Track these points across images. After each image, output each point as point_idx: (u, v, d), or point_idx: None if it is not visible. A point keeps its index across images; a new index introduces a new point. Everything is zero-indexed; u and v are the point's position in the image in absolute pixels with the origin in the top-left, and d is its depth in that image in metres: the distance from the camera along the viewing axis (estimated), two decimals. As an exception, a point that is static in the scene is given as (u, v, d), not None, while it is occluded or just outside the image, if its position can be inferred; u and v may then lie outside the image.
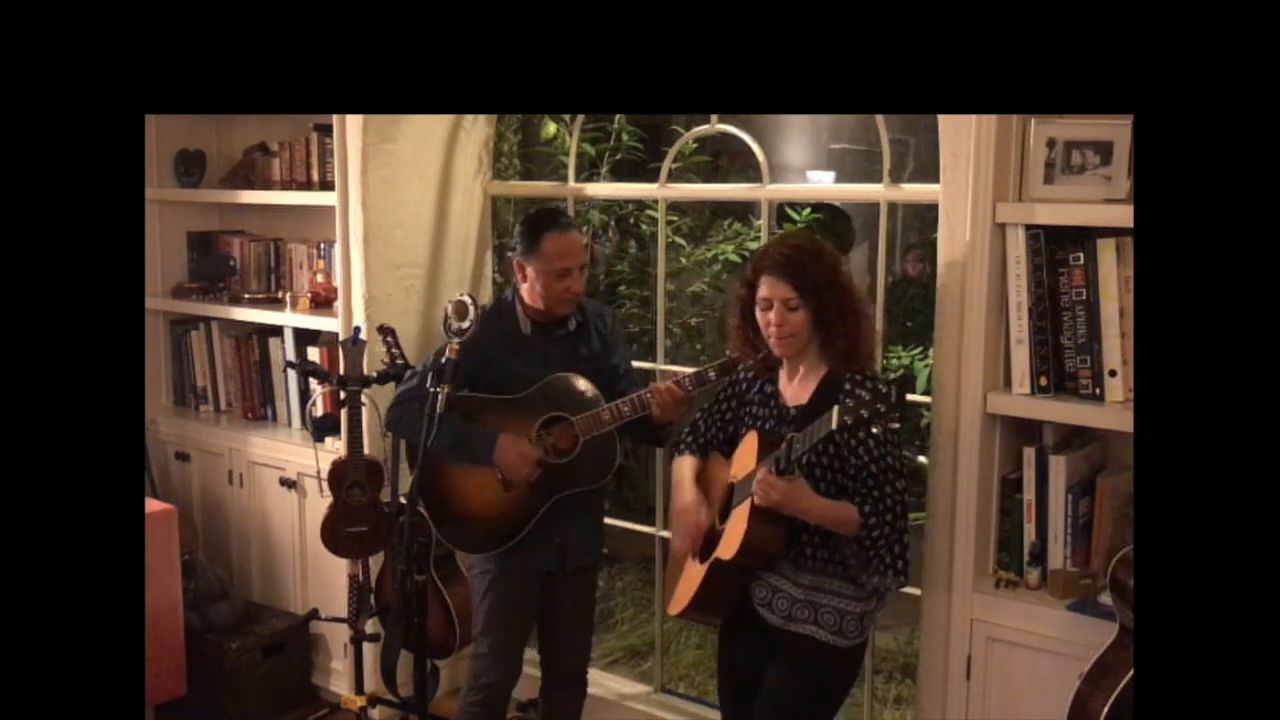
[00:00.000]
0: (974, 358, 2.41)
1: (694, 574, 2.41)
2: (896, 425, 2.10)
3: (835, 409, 2.06)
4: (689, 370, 2.66)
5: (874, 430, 2.08)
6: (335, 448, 3.37)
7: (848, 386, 2.27)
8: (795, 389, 2.36)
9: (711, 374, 2.58)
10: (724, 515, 2.36)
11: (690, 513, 2.44)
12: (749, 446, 2.33)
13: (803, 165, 5.43)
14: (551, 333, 2.74)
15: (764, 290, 2.29)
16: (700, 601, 2.40)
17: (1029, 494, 2.44)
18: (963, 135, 2.37)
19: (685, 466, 2.54)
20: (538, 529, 2.69)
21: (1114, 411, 2.29)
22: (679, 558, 2.52)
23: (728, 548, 2.28)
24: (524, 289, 2.72)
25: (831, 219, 4.72)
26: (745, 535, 2.22)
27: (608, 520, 3.89)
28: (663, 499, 3.46)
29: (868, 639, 2.38)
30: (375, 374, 3.17)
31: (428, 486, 2.75)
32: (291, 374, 3.75)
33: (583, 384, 2.68)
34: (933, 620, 2.53)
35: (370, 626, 3.34)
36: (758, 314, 2.32)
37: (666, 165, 3.35)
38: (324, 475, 3.22)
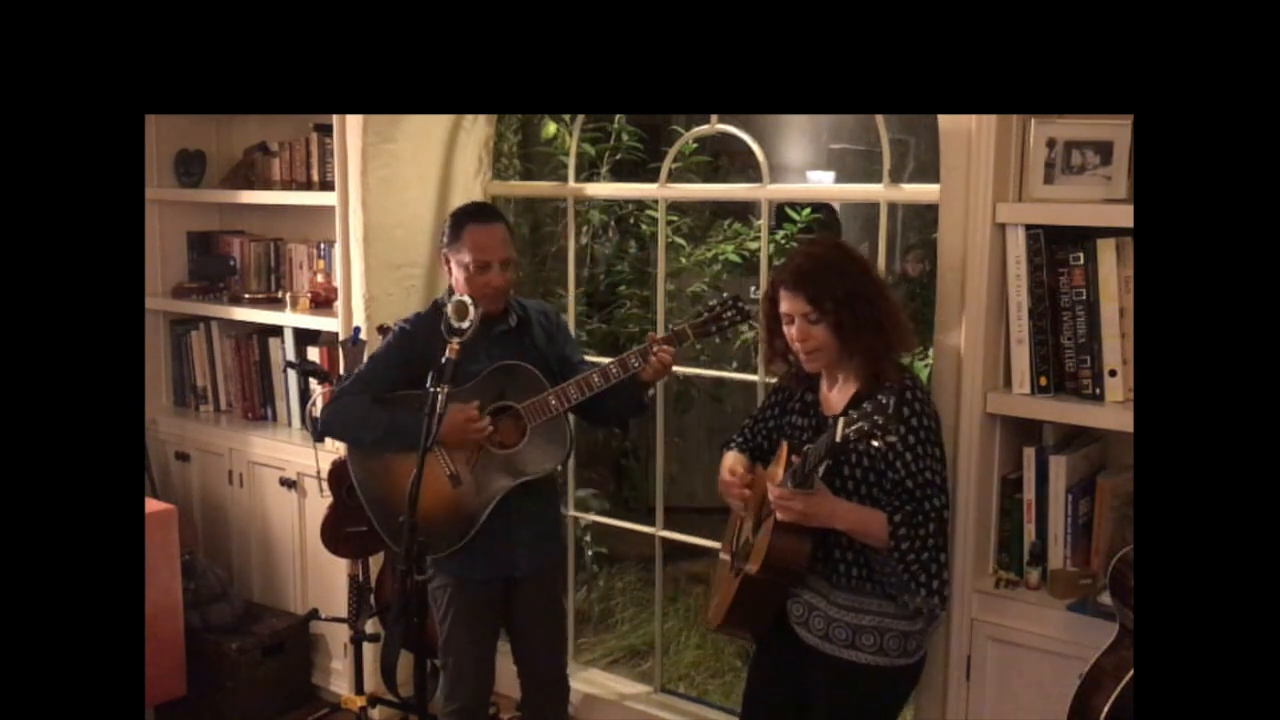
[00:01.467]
0: (974, 358, 2.40)
1: (730, 587, 2.38)
2: (894, 438, 2.02)
3: (841, 420, 2.00)
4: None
5: (875, 444, 2.00)
6: (335, 448, 3.37)
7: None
8: (835, 398, 2.31)
9: (690, 331, 2.59)
10: (758, 527, 2.32)
11: (734, 475, 2.37)
12: (781, 458, 2.27)
13: (803, 165, 5.43)
14: (490, 329, 2.67)
15: (783, 305, 2.25)
16: (734, 615, 2.36)
17: (1029, 494, 2.44)
18: (963, 135, 2.37)
19: (729, 456, 2.47)
20: (489, 529, 2.65)
21: (1114, 411, 2.29)
22: (726, 550, 2.48)
23: (754, 561, 2.24)
24: (454, 284, 2.68)
25: (828, 219, 4.73)
26: (767, 549, 2.18)
27: (607, 520, 3.92)
28: (663, 499, 3.46)
29: (917, 660, 2.29)
30: (375, 374, 3.17)
31: (373, 488, 2.73)
32: (291, 374, 3.75)
33: (527, 371, 2.64)
34: (933, 620, 2.53)
35: (370, 626, 3.34)
36: (784, 328, 2.28)
37: (666, 165, 3.35)
38: (324, 475, 3.22)
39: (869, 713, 2.31)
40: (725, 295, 2.68)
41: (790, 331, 2.25)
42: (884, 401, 1.96)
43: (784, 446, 2.27)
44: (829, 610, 2.25)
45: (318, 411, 3.52)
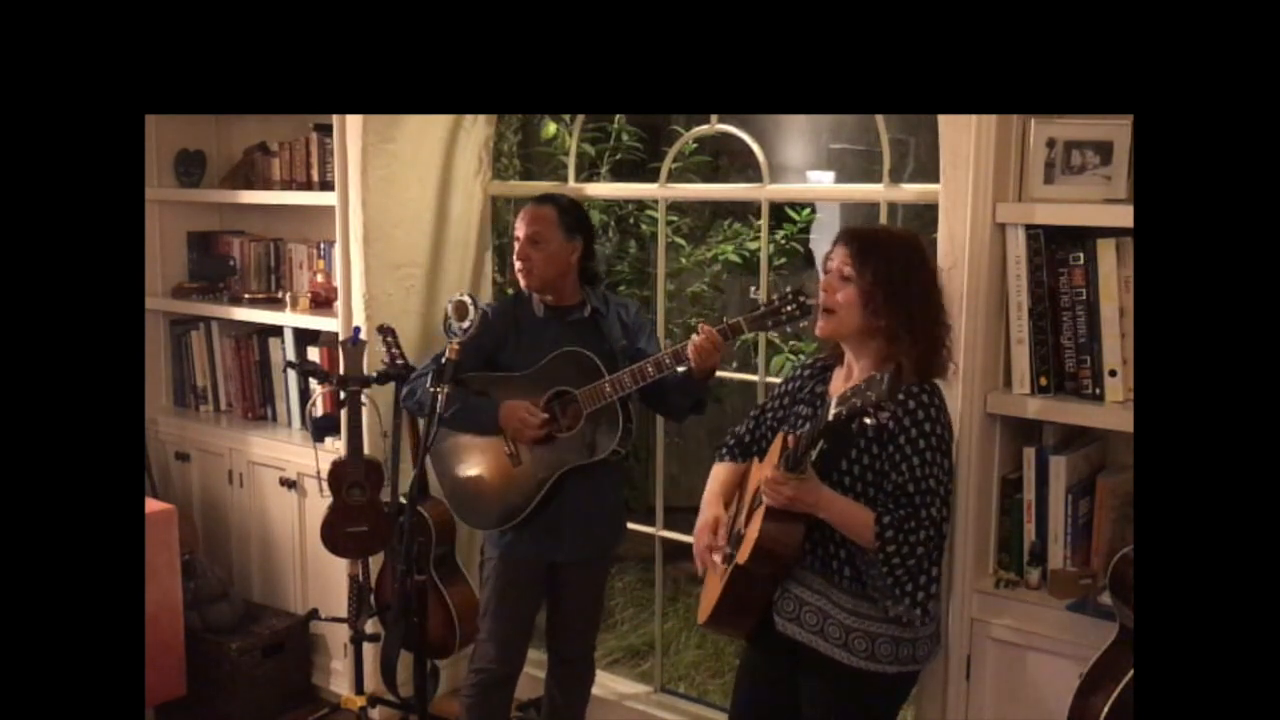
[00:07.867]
0: (974, 358, 2.40)
1: (719, 581, 2.35)
2: (886, 413, 1.96)
3: (834, 398, 1.98)
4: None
5: (868, 420, 1.95)
6: (335, 448, 3.37)
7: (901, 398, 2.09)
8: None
9: (745, 324, 2.51)
10: (750, 519, 2.28)
11: (702, 533, 2.36)
12: (776, 447, 2.24)
13: (803, 165, 5.42)
14: (564, 317, 2.79)
15: (832, 258, 2.20)
16: (722, 609, 2.32)
17: (1029, 494, 2.44)
18: (963, 135, 2.37)
19: (716, 476, 2.43)
20: (539, 513, 2.73)
21: (1114, 411, 2.29)
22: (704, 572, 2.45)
23: (743, 552, 2.21)
24: None
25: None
26: (757, 537, 2.15)
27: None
28: (663, 499, 3.46)
29: (911, 670, 2.23)
30: (375, 374, 3.17)
31: (440, 460, 2.86)
32: (291, 374, 3.75)
33: (587, 358, 2.69)
34: (933, 620, 2.53)
35: (370, 626, 3.34)
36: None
37: (666, 165, 3.35)
38: (324, 475, 3.22)
39: (857, 718, 2.27)
40: (788, 288, 2.56)
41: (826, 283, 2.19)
42: (879, 378, 1.92)
43: (780, 438, 2.23)
44: (825, 606, 2.20)
45: (318, 412, 3.53)
